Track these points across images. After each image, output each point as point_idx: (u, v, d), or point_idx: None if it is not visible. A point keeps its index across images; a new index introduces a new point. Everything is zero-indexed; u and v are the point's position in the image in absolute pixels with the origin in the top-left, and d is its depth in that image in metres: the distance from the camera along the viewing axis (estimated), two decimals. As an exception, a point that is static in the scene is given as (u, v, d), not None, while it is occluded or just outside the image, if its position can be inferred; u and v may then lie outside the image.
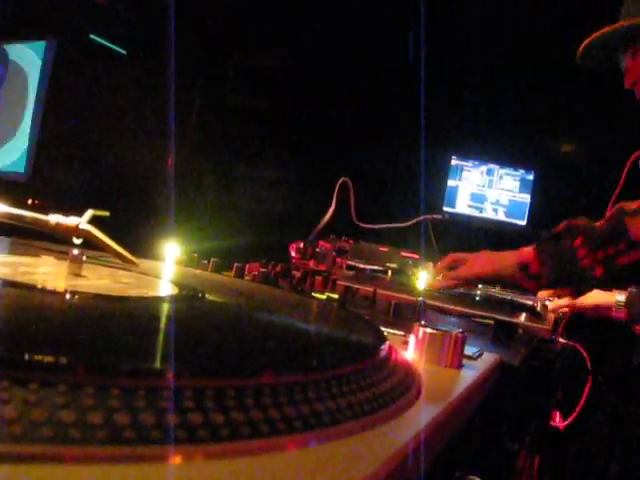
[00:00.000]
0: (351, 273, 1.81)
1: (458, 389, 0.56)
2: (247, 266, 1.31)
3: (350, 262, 1.87)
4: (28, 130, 3.37)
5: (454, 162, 3.05)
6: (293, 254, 1.72)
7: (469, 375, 0.62)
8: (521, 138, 3.05)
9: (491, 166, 3.03)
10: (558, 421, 1.93)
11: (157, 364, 0.35)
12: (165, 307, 0.52)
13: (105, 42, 3.53)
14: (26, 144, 3.35)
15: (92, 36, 3.48)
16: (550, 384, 1.44)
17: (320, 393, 0.41)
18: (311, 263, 1.70)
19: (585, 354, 1.79)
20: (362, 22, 2.87)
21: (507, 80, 2.95)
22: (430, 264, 2.27)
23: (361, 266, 1.95)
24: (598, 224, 1.13)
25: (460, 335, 0.64)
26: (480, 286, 1.96)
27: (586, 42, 1.35)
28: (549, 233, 1.18)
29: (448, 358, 0.63)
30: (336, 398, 0.42)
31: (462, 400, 0.54)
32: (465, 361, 0.68)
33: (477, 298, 1.86)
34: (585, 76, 2.12)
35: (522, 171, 3.01)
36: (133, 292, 0.55)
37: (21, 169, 3.32)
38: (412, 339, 0.65)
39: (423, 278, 1.73)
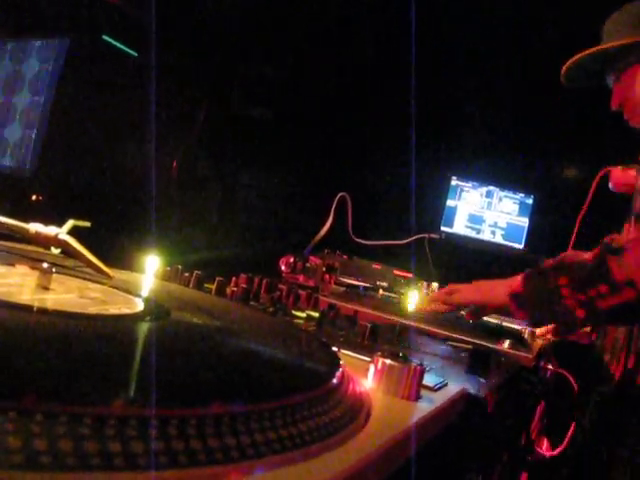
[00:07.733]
0: (340, 289, 1.82)
1: (407, 422, 0.56)
2: (234, 279, 1.33)
3: (340, 278, 1.88)
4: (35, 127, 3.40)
5: (454, 182, 3.06)
6: (283, 268, 1.73)
7: (423, 408, 0.62)
8: (522, 161, 3.06)
9: (491, 188, 3.04)
10: (545, 449, 1.93)
11: (97, 392, 0.36)
12: (121, 328, 0.53)
13: (117, 43, 3.57)
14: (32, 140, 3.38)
15: (104, 37, 3.53)
16: (523, 415, 1.45)
17: (261, 423, 0.43)
18: (300, 278, 1.71)
19: (573, 382, 1.78)
20: (366, 38, 2.90)
21: (510, 103, 2.96)
22: (423, 283, 2.28)
23: (351, 282, 1.95)
24: (587, 257, 1.09)
25: (418, 368, 0.65)
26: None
27: (567, 64, 1.39)
28: (537, 267, 1.17)
29: (405, 390, 0.64)
30: (277, 429, 0.43)
31: (409, 433, 0.55)
32: (425, 392, 0.69)
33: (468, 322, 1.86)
34: (586, 99, 2.15)
35: (522, 195, 3.01)
36: (94, 309, 0.56)
37: (26, 165, 3.36)
38: (372, 368, 0.66)
39: (413, 298, 1.74)
